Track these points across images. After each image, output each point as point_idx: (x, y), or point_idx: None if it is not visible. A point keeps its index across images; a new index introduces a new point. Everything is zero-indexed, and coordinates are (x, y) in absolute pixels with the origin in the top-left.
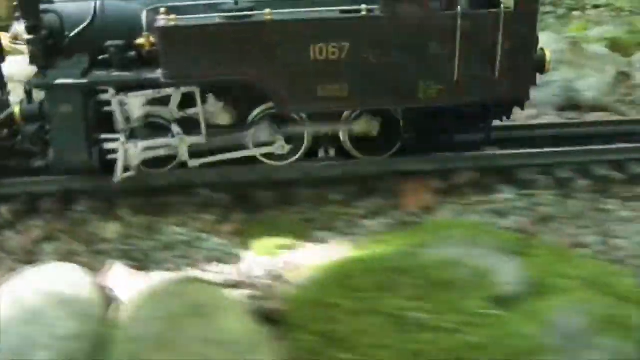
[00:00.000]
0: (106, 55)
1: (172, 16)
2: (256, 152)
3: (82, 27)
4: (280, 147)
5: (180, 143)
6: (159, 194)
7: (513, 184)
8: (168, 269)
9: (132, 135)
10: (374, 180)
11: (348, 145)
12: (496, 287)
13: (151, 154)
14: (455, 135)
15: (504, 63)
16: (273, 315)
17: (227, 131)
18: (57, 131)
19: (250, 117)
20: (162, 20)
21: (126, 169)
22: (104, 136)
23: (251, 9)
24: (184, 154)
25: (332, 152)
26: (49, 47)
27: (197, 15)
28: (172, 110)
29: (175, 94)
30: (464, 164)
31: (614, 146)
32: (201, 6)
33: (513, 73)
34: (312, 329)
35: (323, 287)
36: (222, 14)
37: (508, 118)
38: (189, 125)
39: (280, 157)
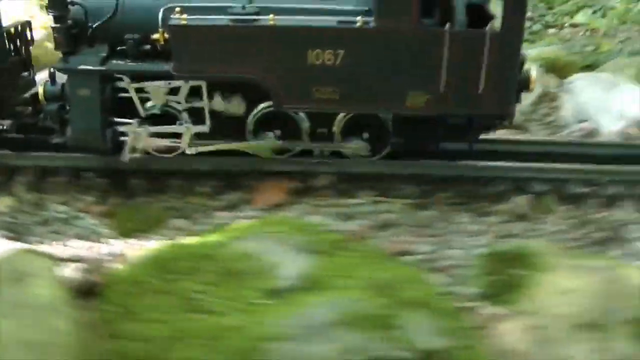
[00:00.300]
0: (124, 47)
1: (184, 15)
2: (252, 144)
3: (104, 19)
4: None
5: (185, 131)
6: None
7: (374, 190)
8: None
9: (144, 121)
10: (239, 176)
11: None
12: (275, 280)
13: (159, 141)
14: (440, 143)
15: (488, 79)
16: (94, 289)
17: (230, 123)
18: (75, 112)
19: (252, 113)
20: (174, 19)
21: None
22: (117, 119)
23: (257, 13)
24: (185, 142)
25: (326, 152)
26: (73, 35)
27: (207, 16)
28: (179, 100)
29: (184, 86)
30: (324, 169)
31: (484, 163)
32: (213, 8)
33: (497, 89)
34: (116, 301)
35: (142, 267)
36: (230, 17)
37: (493, 132)
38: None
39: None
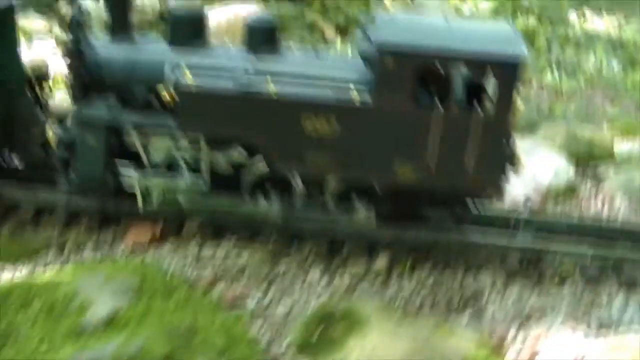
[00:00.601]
0: (131, 99)
1: (190, 76)
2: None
3: (114, 72)
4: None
5: (183, 185)
6: None
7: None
8: None
9: (147, 169)
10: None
11: (330, 203)
12: (85, 318)
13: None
14: (426, 211)
15: (475, 159)
16: None
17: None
18: (81, 158)
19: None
20: (182, 78)
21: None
22: (120, 167)
23: (258, 81)
24: (180, 195)
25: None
26: (85, 84)
27: (210, 79)
28: (181, 153)
29: (184, 141)
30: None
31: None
32: (218, 68)
33: (483, 169)
34: None
35: None
36: (233, 81)
37: (477, 206)
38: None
39: None
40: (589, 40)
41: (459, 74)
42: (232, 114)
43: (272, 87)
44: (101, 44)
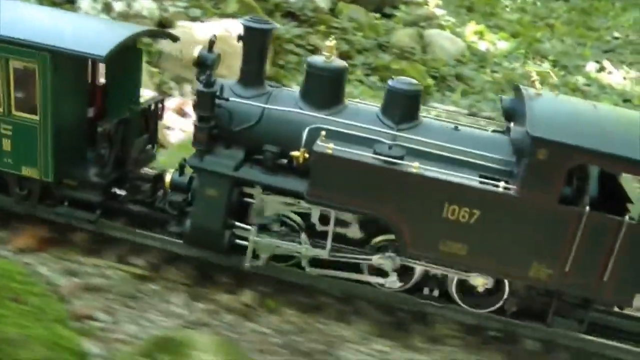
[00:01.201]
0: (260, 156)
1: (331, 145)
2: (371, 279)
3: (245, 126)
4: (393, 282)
5: (304, 252)
6: None
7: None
8: None
9: (263, 229)
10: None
11: (453, 291)
12: None
13: (278, 251)
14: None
15: (616, 268)
16: None
17: (350, 252)
18: (199, 208)
19: (374, 241)
20: (321, 146)
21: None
22: (238, 224)
23: (401, 158)
24: (304, 262)
25: (435, 293)
26: (213, 135)
27: (349, 150)
28: (310, 222)
29: (315, 210)
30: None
31: None
32: (359, 138)
33: (622, 280)
34: None
35: None
36: (375, 155)
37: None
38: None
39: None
40: (600, 90)
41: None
42: (369, 188)
43: (416, 167)
44: (234, 92)
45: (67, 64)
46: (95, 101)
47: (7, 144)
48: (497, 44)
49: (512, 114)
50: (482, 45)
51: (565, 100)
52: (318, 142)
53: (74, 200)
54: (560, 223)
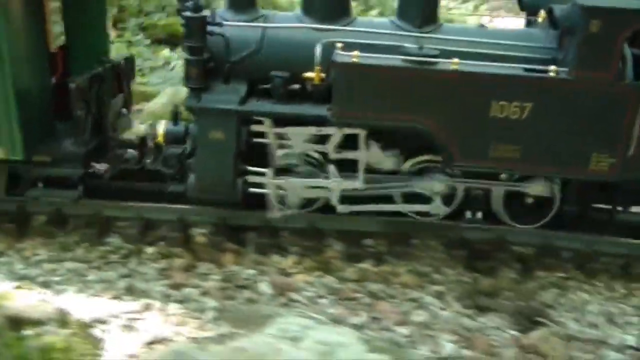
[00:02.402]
0: (267, 85)
1: (355, 52)
2: (413, 208)
3: (246, 52)
4: (437, 207)
5: (335, 187)
6: None
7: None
8: None
9: (282, 171)
10: None
11: (500, 209)
12: None
13: (305, 194)
14: (617, 214)
15: None
16: None
17: (385, 179)
18: (203, 158)
19: (410, 165)
20: (342, 56)
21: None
22: (250, 168)
23: (436, 56)
24: (334, 199)
25: (479, 215)
26: (208, 70)
27: (377, 55)
28: (330, 150)
29: (337, 134)
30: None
31: None
32: (381, 47)
33: None
34: None
35: None
36: (406, 57)
37: None
38: (345, 168)
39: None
40: None
41: None
42: (404, 98)
43: (456, 63)
44: (225, 19)
45: (24, 14)
46: (56, 67)
47: None
48: None
49: (538, 3)
50: None
51: None
52: (337, 52)
53: (48, 179)
54: (620, 103)
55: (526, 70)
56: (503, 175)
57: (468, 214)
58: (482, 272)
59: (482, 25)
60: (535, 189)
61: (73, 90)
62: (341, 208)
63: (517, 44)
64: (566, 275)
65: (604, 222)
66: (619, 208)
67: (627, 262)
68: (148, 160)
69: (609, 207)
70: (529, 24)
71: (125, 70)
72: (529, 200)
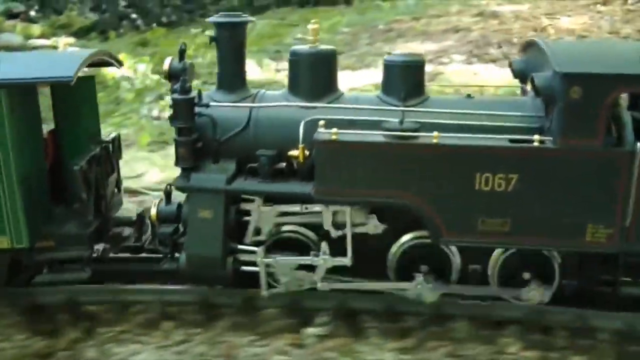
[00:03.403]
0: (254, 164)
1: (334, 129)
2: (398, 286)
3: (233, 133)
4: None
5: (321, 264)
6: None
7: None
8: None
9: (271, 248)
10: None
11: (494, 284)
12: None
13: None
14: (621, 287)
15: None
16: None
17: (375, 256)
18: (192, 236)
19: (399, 242)
20: (323, 134)
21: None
22: (241, 247)
23: (416, 130)
24: (318, 276)
25: None
26: (198, 150)
27: (356, 132)
28: (325, 228)
29: (326, 212)
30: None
31: None
32: (362, 122)
33: None
34: None
35: None
36: (386, 132)
37: None
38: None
39: None
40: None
41: None
42: (385, 173)
43: (436, 136)
44: (215, 100)
45: (22, 101)
46: (47, 152)
47: None
48: None
49: (527, 71)
50: None
51: (580, 41)
52: (319, 130)
53: (51, 265)
54: (612, 169)
55: (510, 140)
56: (497, 252)
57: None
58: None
59: (469, 96)
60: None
61: (76, 173)
62: (321, 285)
63: (505, 113)
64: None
65: (607, 296)
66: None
67: None
68: (145, 239)
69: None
70: (523, 92)
71: (114, 150)
72: (526, 277)
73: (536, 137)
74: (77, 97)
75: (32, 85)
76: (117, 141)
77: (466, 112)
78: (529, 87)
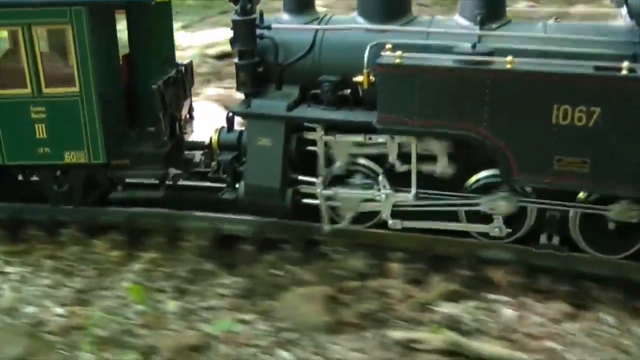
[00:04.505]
0: (318, 91)
1: (398, 53)
2: (471, 228)
3: (296, 57)
4: (498, 228)
5: (385, 199)
6: None
7: None
8: None
9: (335, 181)
10: None
11: (577, 234)
12: None
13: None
14: None
15: None
16: None
17: (440, 194)
18: (251, 165)
19: (471, 182)
20: (385, 57)
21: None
22: (301, 178)
23: (489, 55)
24: (386, 212)
25: (555, 240)
26: (259, 74)
27: (423, 55)
28: (387, 161)
29: (391, 143)
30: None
31: None
32: (433, 47)
33: None
34: None
35: None
36: (456, 57)
37: None
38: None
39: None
40: None
41: None
42: (454, 102)
43: (510, 61)
44: (279, 22)
45: (101, 21)
46: (123, 74)
47: (41, 130)
48: None
49: None
50: None
51: None
52: (382, 53)
53: (128, 183)
54: None
55: (595, 68)
56: (581, 195)
57: (543, 239)
58: None
59: (556, 20)
60: (620, 213)
61: (153, 92)
62: (392, 223)
63: (593, 38)
64: None
65: None
66: None
67: None
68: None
69: None
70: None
71: (187, 75)
72: (612, 226)
73: (625, 64)
74: (152, 22)
75: (112, 4)
76: (189, 68)
77: (549, 36)
78: (624, 10)
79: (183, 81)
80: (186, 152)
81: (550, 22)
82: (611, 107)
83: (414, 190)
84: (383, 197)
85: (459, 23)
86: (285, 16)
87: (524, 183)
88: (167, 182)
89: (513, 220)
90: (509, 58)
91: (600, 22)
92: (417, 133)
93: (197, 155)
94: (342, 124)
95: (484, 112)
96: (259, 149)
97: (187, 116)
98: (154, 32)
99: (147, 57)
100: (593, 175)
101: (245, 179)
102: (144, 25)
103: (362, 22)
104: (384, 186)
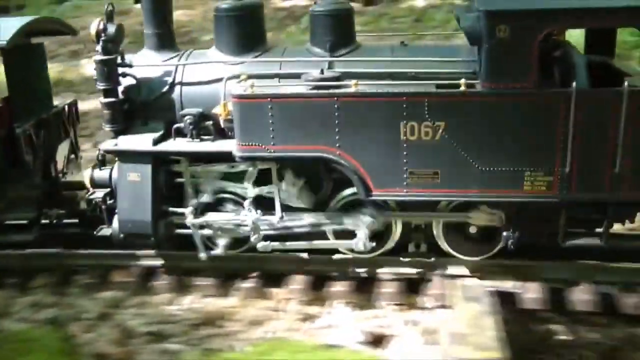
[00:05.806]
0: (181, 125)
1: (250, 82)
2: (337, 245)
3: (159, 93)
4: (361, 243)
5: (252, 224)
6: None
7: None
8: None
9: (204, 210)
10: None
11: (442, 241)
12: None
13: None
14: (566, 239)
15: (628, 154)
16: None
17: (306, 215)
18: (122, 201)
19: (332, 203)
20: (238, 88)
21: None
22: (172, 209)
23: (337, 79)
24: (255, 237)
25: (423, 248)
26: (125, 111)
27: (273, 84)
28: (246, 187)
29: (252, 170)
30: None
31: None
32: (284, 75)
33: (638, 167)
34: None
35: None
36: (305, 83)
37: (631, 222)
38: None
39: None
40: None
41: None
42: (306, 126)
43: (355, 84)
44: (141, 61)
45: None
46: (2, 119)
47: None
48: None
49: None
50: None
51: None
52: (235, 84)
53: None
54: (549, 112)
55: (437, 86)
56: (443, 204)
57: (411, 247)
58: None
59: (403, 43)
60: (478, 218)
61: (19, 136)
62: (261, 246)
63: (437, 59)
64: None
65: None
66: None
67: None
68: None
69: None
70: None
71: (68, 116)
72: (473, 231)
73: (462, 81)
74: (28, 64)
75: None
76: (73, 107)
77: (395, 59)
78: None
79: (62, 122)
80: (66, 192)
81: (397, 45)
82: (454, 120)
83: (278, 213)
84: (249, 222)
85: (310, 51)
86: (147, 53)
87: (382, 198)
88: (41, 223)
89: (383, 233)
90: (354, 81)
91: (443, 44)
92: (274, 159)
93: (80, 194)
94: (204, 155)
95: (336, 134)
96: (129, 184)
97: (71, 156)
98: (29, 74)
99: (24, 100)
100: (445, 184)
101: (119, 215)
102: (19, 68)
103: (219, 56)
104: (249, 210)
